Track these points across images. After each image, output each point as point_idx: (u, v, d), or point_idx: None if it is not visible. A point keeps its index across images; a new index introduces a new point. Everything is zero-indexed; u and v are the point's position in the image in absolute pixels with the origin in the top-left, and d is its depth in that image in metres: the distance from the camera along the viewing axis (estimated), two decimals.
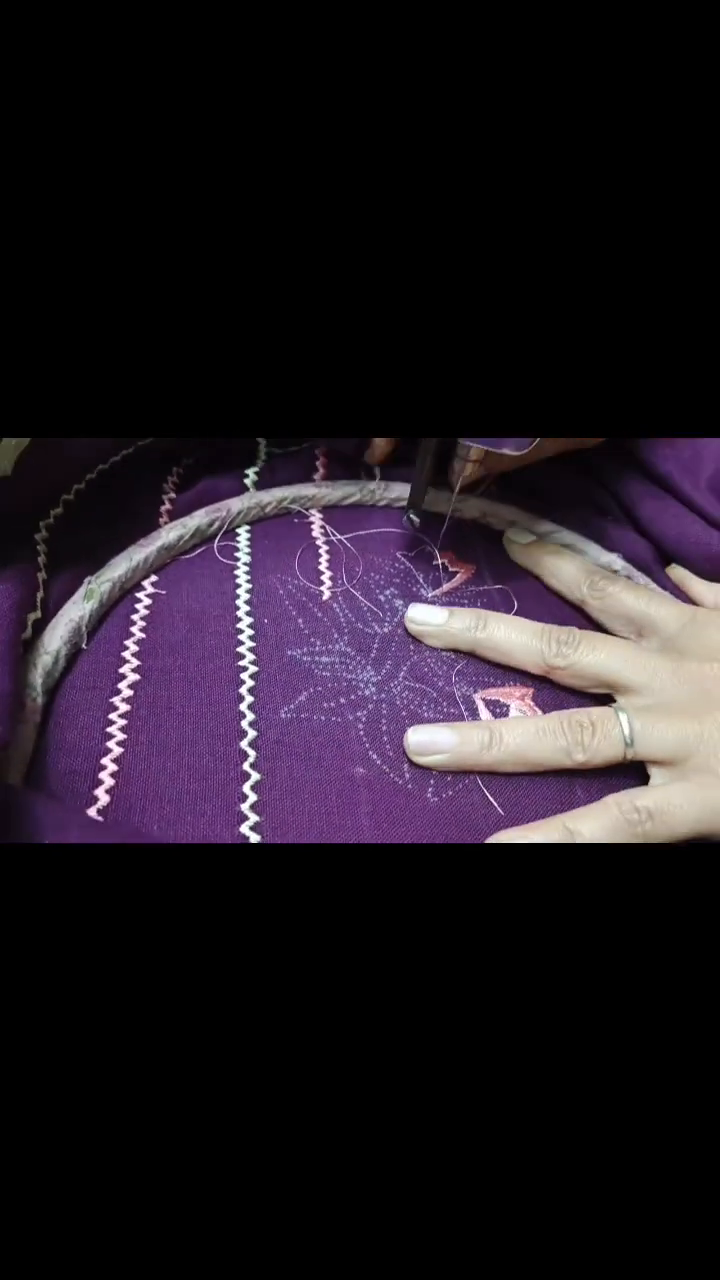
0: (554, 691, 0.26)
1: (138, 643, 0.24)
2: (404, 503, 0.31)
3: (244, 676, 0.24)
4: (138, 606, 0.26)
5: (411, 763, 0.23)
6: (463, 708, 0.25)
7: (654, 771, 0.23)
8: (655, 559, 0.31)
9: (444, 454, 0.27)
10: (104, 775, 0.21)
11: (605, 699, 0.25)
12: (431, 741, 0.23)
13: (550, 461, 0.33)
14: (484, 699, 0.26)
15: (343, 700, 0.24)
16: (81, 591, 0.24)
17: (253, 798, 0.21)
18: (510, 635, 0.25)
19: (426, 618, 0.26)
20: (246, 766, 0.22)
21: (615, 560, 0.30)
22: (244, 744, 0.22)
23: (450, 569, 0.30)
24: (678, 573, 0.30)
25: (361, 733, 0.24)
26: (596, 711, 0.23)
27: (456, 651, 0.27)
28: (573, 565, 0.29)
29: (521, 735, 0.23)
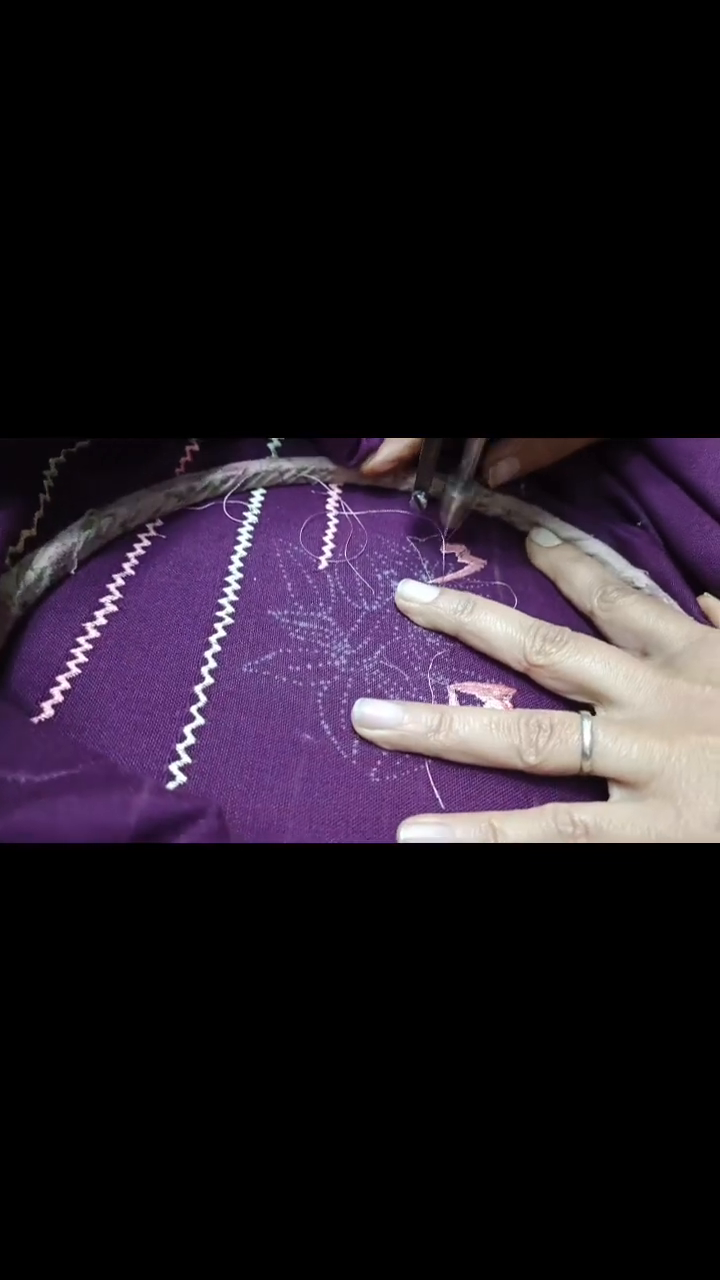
0: (539, 696, 0.24)
1: (125, 578, 0.25)
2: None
3: (217, 627, 0.24)
4: (135, 546, 0.26)
5: (362, 740, 0.22)
6: (433, 696, 0.24)
7: (613, 790, 0.21)
8: (684, 582, 0.28)
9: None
10: (55, 691, 0.21)
11: (591, 710, 0.23)
12: (376, 715, 0.22)
13: (582, 463, 0.31)
14: (458, 691, 0.24)
15: (309, 666, 0.24)
16: (81, 520, 0.25)
17: (190, 740, 0.21)
18: (496, 624, 0.24)
19: (414, 594, 0.25)
20: (194, 709, 0.22)
21: (640, 576, 0.28)
22: (198, 688, 0.22)
23: (460, 561, 0.29)
24: (709, 603, 0.27)
25: (319, 701, 0.23)
26: (559, 715, 0.21)
27: (442, 638, 0.25)
28: (590, 574, 0.27)
29: (473, 726, 0.21)
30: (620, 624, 0.25)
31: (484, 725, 0.22)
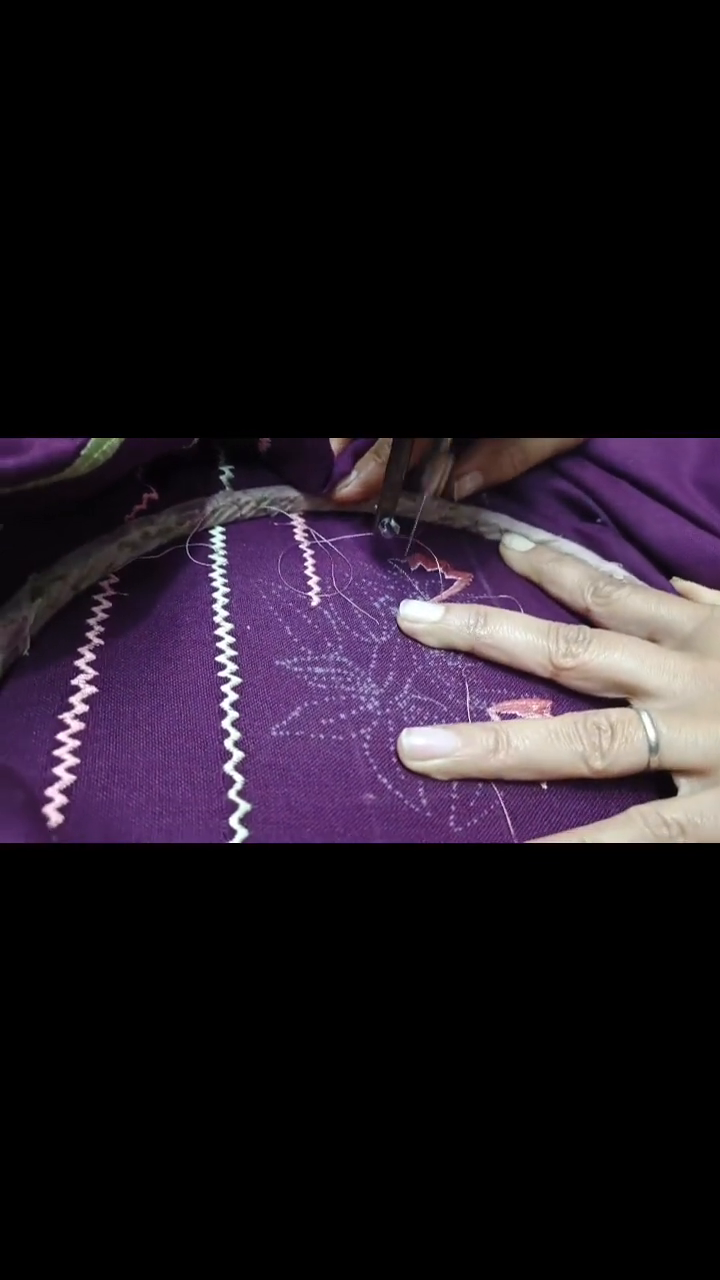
0: (575, 704, 0.23)
1: (94, 650, 0.20)
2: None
3: (225, 689, 0.20)
4: (95, 610, 0.21)
5: (426, 784, 0.20)
6: (474, 721, 0.22)
7: (681, 782, 0.21)
8: (655, 569, 0.29)
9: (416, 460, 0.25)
10: (49, 810, 0.16)
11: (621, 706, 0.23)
12: (429, 745, 0.20)
13: (535, 470, 0.31)
14: (499, 713, 0.23)
15: (343, 716, 0.21)
16: (27, 587, 0.20)
17: (242, 833, 0.17)
18: (513, 633, 0.23)
19: (421, 614, 0.24)
20: (233, 795, 0.18)
21: (617, 569, 0.28)
22: (229, 768, 0.18)
23: (448, 577, 0.27)
24: (683, 584, 0.29)
25: (367, 753, 0.20)
26: (617, 713, 0.21)
27: (458, 654, 0.24)
28: (576, 571, 0.27)
29: (532, 738, 0.20)
30: (621, 616, 0.25)
31: (543, 736, 0.20)
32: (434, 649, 0.24)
